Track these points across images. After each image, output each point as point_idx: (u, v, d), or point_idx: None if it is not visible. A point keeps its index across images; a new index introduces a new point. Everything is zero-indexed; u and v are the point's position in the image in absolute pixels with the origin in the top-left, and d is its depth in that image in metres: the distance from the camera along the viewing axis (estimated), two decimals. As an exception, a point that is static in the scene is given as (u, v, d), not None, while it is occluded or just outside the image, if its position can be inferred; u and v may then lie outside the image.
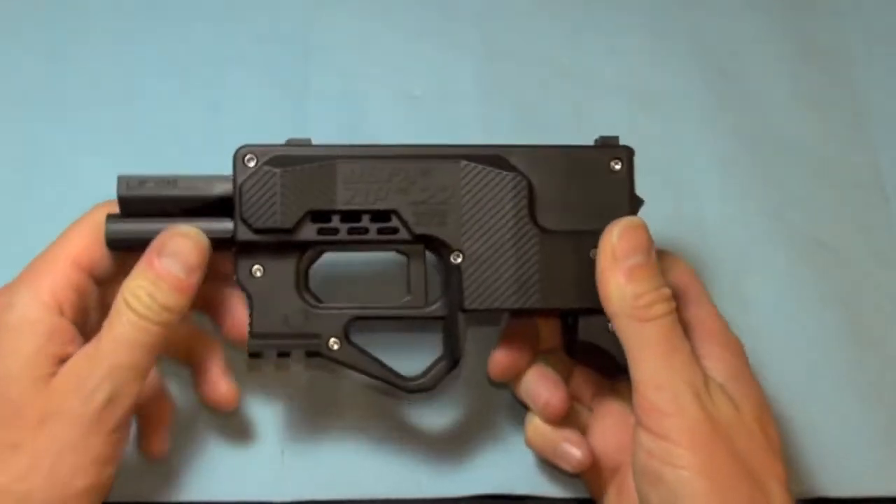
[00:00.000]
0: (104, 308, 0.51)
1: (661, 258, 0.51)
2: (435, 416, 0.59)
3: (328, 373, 0.59)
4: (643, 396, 0.48)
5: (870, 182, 0.66)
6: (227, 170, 0.52)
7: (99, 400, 0.47)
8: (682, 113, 0.68)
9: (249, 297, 0.51)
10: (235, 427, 0.58)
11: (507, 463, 0.58)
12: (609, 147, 0.54)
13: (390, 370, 0.52)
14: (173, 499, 0.56)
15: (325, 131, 0.66)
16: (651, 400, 0.47)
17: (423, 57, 0.69)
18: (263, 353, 0.51)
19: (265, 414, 0.58)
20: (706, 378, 0.48)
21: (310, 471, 0.57)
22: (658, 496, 0.47)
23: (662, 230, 0.63)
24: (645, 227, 0.51)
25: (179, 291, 0.49)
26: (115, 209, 0.52)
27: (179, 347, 0.56)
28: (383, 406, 0.59)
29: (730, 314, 0.61)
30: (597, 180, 0.53)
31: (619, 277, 0.49)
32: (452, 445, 0.58)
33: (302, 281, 0.52)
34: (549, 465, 0.57)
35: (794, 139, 0.67)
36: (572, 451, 0.54)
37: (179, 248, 0.49)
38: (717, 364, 0.50)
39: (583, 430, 0.55)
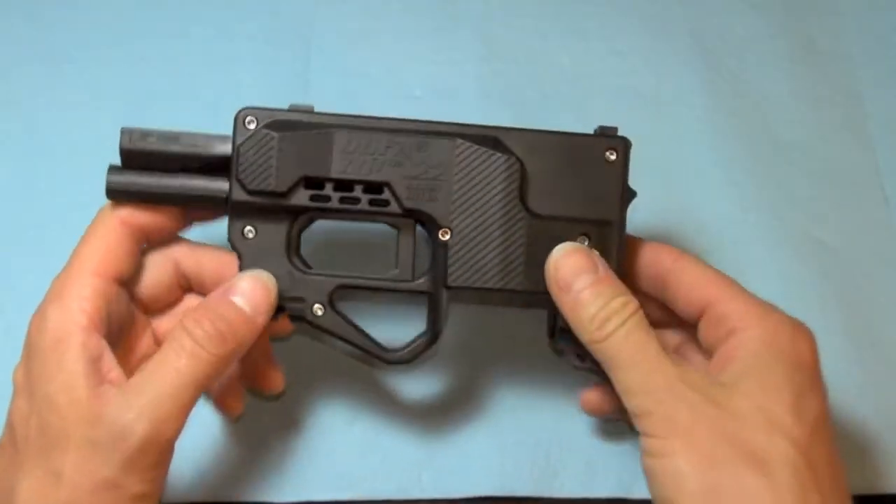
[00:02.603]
0: (133, 308, 0.52)
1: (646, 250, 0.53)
2: (436, 417, 0.59)
3: (329, 373, 0.59)
4: (627, 405, 0.48)
5: (870, 182, 0.66)
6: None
7: (137, 435, 0.46)
8: (681, 113, 0.68)
9: (240, 256, 0.52)
10: (235, 427, 0.58)
11: (507, 464, 0.58)
12: (606, 137, 0.54)
13: (373, 341, 0.52)
14: (172, 499, 0.56)
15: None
16: (633, 406, 0.48)
17: (423, 57, 0.69)
18: None
19: (265, 413, 0.59)
20: (682, 368, 0.48)
21: (309, 470, 0.57)
22: (660, 493, 0.47)
23: (662, 230, 0.64)
24: (578, 249, 0.51)
25: (244, 326, 0.49)
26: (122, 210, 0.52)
27: None
28: (384, 406, 0.59)
29: (730, 314, 0.61)
30: (591, 169, 0.53)
31: (572, 307, 0.49)
32: (453, 446, 0.58)
33: (293, 246, 0.53)
34: (549, 466, 0.57)
35: (793, 139, 0.67)
36: None
37: (250, 288, 0.50)
38: (733, 351, 0.49)
39: None
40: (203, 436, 0.58)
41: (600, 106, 0.68)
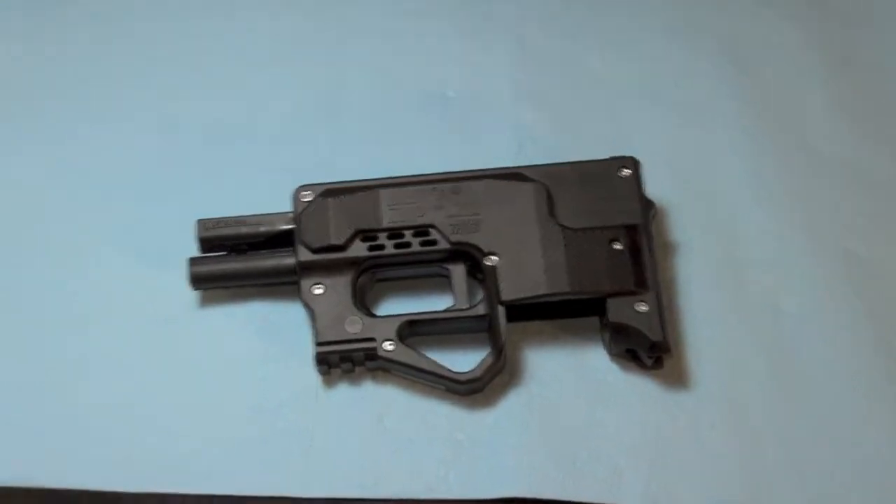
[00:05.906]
0: None
1: None
2: (464, 417, 0.59)
3: (358, 371, 0.60)
4: None
5: (904, 194, 0.66)
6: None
7: None
8: (716, 122, 0.68)
9: (312, 312, 0.58)
10: (263, 420, 0.58)
11: (534, 466, 0.57)
12: (617, 158, 0.60)
13: (443, 367, 0.57)
14: (201, 490, 0.56)
15: (358, 129, 0.67)
16: None
17: (457, 58, 0.69)
18: (328, 358, 0.57)
19: (293, 408, 0.58)
20: None
21: (336, 466, 0.57)
22: None
23: (694, 240, 0.63)
24: None
25: None
26: None
27: None
28: (412, 405, 0.59)
29: (762, 326, 0.61)
30: (608, 185, 0.60)
31: None
32: (481, 446, 0.58)
33: (358, 296, 0.58)
34: (575, 469, 0.57)
35: (827, 150, 0.67)
36: None
37: None
38: None
39: None
40: (230, 428, 0.58)
41: (633, 113, 0.68)
